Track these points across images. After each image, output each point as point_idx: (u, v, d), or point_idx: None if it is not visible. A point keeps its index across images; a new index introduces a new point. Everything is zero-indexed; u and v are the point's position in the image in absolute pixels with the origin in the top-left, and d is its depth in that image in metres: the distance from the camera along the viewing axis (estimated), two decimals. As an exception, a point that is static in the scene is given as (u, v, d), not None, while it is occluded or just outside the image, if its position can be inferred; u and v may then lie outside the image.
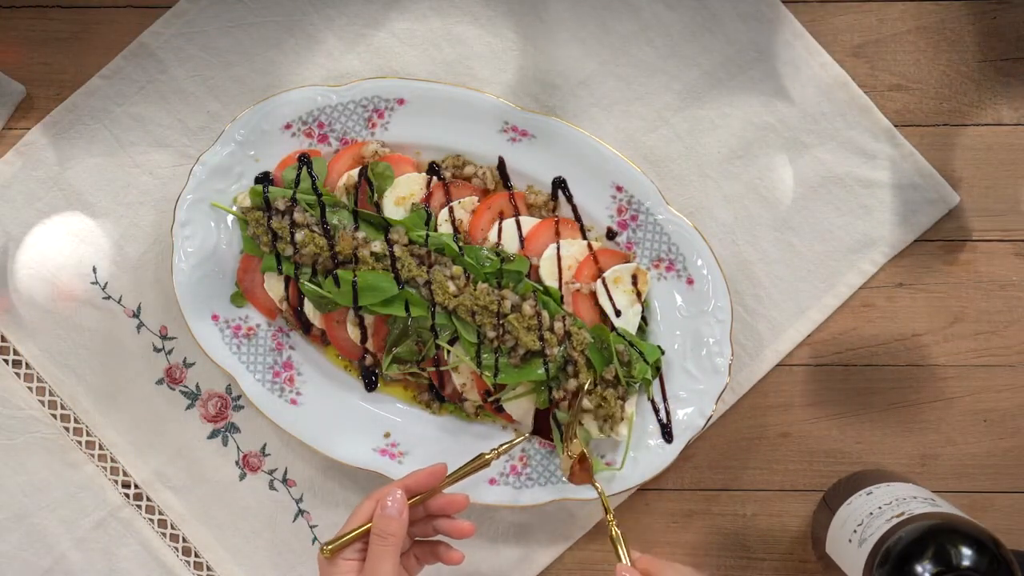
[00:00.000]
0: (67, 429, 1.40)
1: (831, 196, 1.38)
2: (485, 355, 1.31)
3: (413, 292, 1.30)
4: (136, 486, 1.41)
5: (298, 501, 1.41)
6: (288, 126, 1.34)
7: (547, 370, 1.30)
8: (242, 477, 1.41)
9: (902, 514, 1.19)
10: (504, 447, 1.26)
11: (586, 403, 1.30)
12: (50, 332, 1.40)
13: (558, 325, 1.30)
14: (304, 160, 1.33)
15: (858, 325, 1.39)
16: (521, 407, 1.34)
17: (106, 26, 1.40)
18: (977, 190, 1.38)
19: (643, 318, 1.34)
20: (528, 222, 1.35)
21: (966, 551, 1.13)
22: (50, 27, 1.40)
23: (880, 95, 1.39)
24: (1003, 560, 1.13)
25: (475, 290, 1.30)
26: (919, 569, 1.13)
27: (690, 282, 1.34)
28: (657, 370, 1.33)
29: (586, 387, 1.29)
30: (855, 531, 1.23)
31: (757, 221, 1.39)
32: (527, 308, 1.30)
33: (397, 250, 1.31)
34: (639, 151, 1.39)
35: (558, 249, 1.34)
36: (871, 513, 1.23)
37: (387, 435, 1.36)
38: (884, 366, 1.39)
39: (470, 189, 1.36)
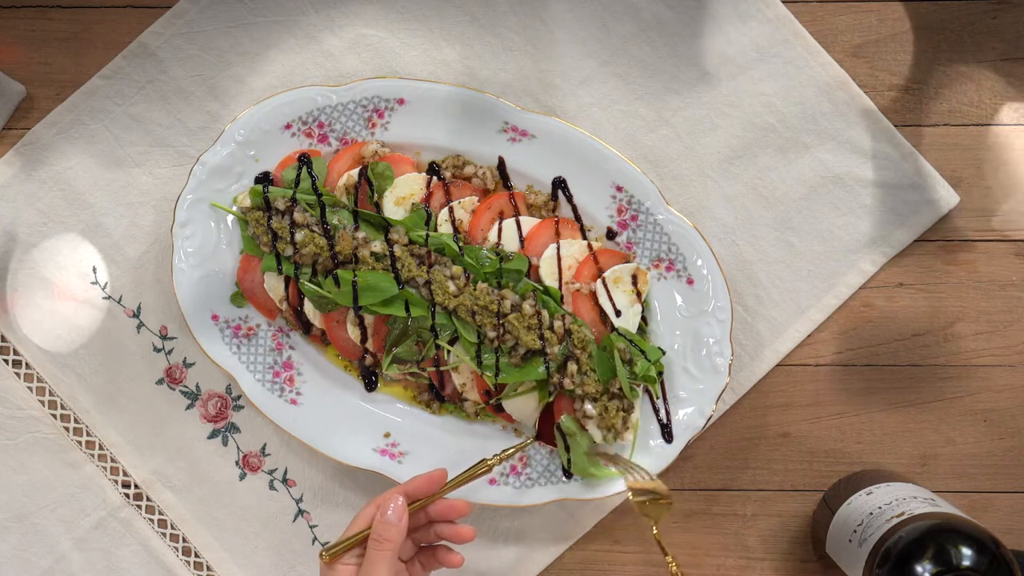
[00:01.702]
0: (67, 429, 1.41)
1: (831, 196, 1.38)
2: (485, 355, 1.31)
3: (413, 292, 1.30)
4: (136, 486, 1.41)
5: (298, 501, 1.41)
6: (288, 126, 1.34)
7: (548, 369, 1.30)
8: (242, 477, 1.41)
9: (902, 514, 1.19)
10: (507, 452, 1.26)
11: (589, 409, 1.30)
12: (50, 332, 1.40)
13: (558, 324, 1.30)
14: (304, 160, 1.33)
15: (858, 325, 1.39)
16: (522, 407, 1.33)
17: (106, 26, 1.40)
18: (977, 190, 1.38)
19: (643, 318, 1.34)
20: (528, 222, 1.35)
21: (966, 551, 1.13)
22: (50, 27, 1.40)
23: (880, 95, 1.39)
24: (1003, 560, 1.13)
25: (475, 290, 1.30)
26: (919, 569, 1.13)
27: (690, 282, 1.34)
28: (659, 373, 1.33)
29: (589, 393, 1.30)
30: (855, 531, 1.23)
31: (757, 221, 1.39)
32: (527, 307, 1.30)
33: (397, 250, 1.31)
34: (639, 151, 1.39)
35: (558, 249, 1.34)
36: (871, 513, 1.23)
37: (387, 435, 1.36)
38: (884, 366, 1.39)
39: (470, 189, 1.36)
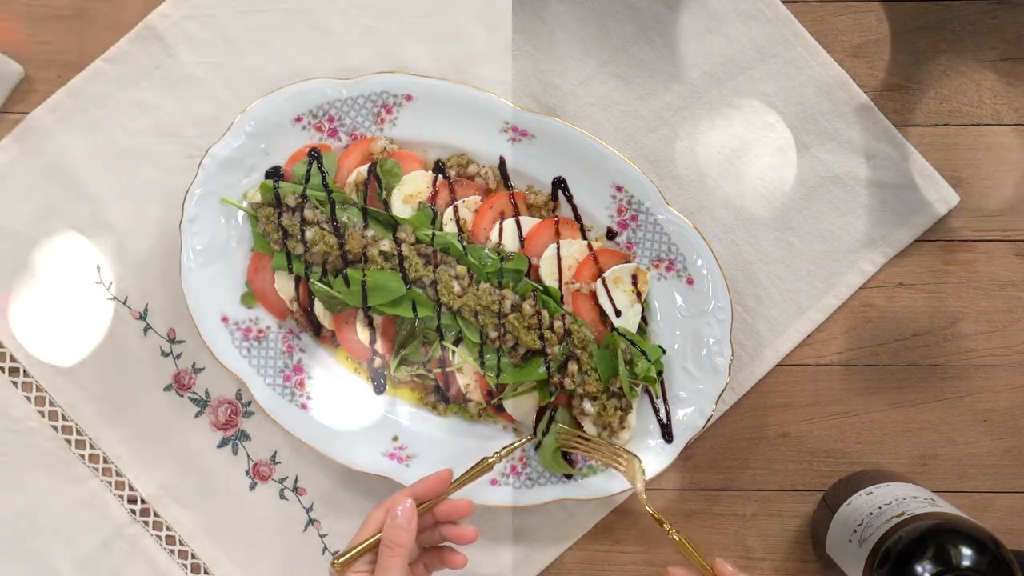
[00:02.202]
0: (68, 442, 1.36)
1: (831, 196, 1.39)
2: (488, 355, 1.30)
3: (420, 292, 1.30)
4: (143, 501, 1.37)
5: (308, 510, 1.38)
6: (299, 119, 1.32)
7: (548, 369, 1.30)
8: (252, 487, 1.37)
9: (902, 514, 1.19)
10: (506, 450, 1.26)
11: (588, 407, 1.30)
12: (50, 336, 1.35)
13: (558, 324, 1.30)
14: (315, 155, 1.31)
15: (858, 325, 1.39)
16: (522, 407, 1.33)
17: (111, 4, 1.36)
18: (977, 190, 1.39)
19: (643, 318, 1.34)
20: (528, 222, 1.34)
21: (966, 551, 1.14)
22: (50, 3, 1.35)
23: (880, 95, 1.39)
24: (1003, 560, 1.14)
25: (478, 290, 1.30)
26: (919, 569, 1.14)
27: (690, 282, 1.34)
28: (659, 373, 1.32)
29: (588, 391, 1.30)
30: (855, 531, 1.23)
31: (757, 221, 1.39)
32: (527, 307, 1.30)
33: (405, 249, 1.30)
34: (639, 151, 1.39)
35: (558, 249, 1.33)
36: (871, 513, 1.23)
37: (395, 438, 1.34)
38: (884, 366, 1.39)
39: (474, 188, 1.35)
